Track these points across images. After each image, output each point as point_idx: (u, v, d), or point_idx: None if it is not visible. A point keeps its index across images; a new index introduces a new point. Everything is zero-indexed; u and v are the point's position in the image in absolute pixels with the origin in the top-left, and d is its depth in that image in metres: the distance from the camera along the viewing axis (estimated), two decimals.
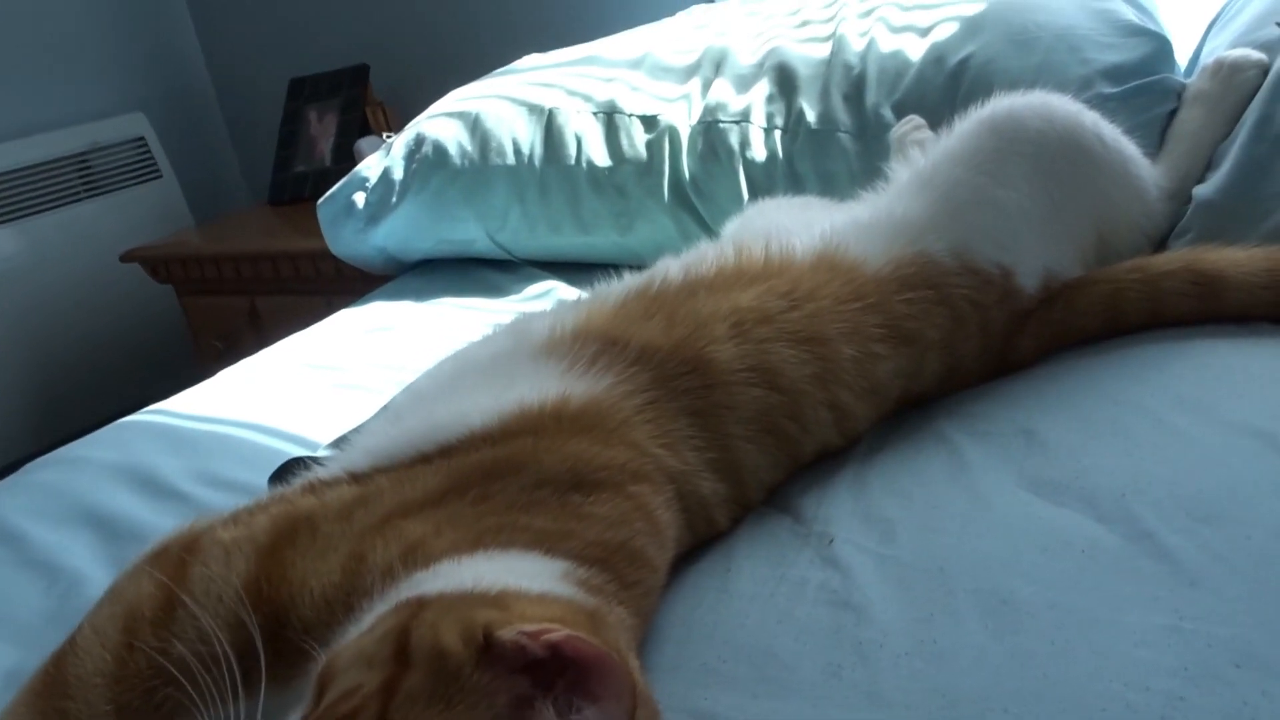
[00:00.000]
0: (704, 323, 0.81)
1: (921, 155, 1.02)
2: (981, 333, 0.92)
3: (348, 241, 1.65)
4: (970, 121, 0.97)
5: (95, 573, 0.91)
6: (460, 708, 0.48)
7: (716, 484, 0.77)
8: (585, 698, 0.49)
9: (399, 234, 1.62)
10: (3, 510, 1.04)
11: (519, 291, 1.47)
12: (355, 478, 0.73)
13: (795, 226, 1.08)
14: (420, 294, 1.53)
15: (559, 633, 0.49)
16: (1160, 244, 1.06)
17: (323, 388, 1.25)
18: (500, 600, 0.54)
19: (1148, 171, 1.04)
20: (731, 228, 1.20)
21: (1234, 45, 1.11)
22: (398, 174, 1.58)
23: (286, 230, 2.20)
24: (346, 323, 1.50)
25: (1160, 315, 0.94)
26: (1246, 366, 0.86)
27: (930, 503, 0.77)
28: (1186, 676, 0.55)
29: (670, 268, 0.90)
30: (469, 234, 1.56)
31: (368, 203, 1.61)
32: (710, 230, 1.40)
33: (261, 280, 2.09)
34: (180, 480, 1.04)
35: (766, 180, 1.36)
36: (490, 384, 0.78)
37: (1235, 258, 0.92)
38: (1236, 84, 1.07)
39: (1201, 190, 1.06)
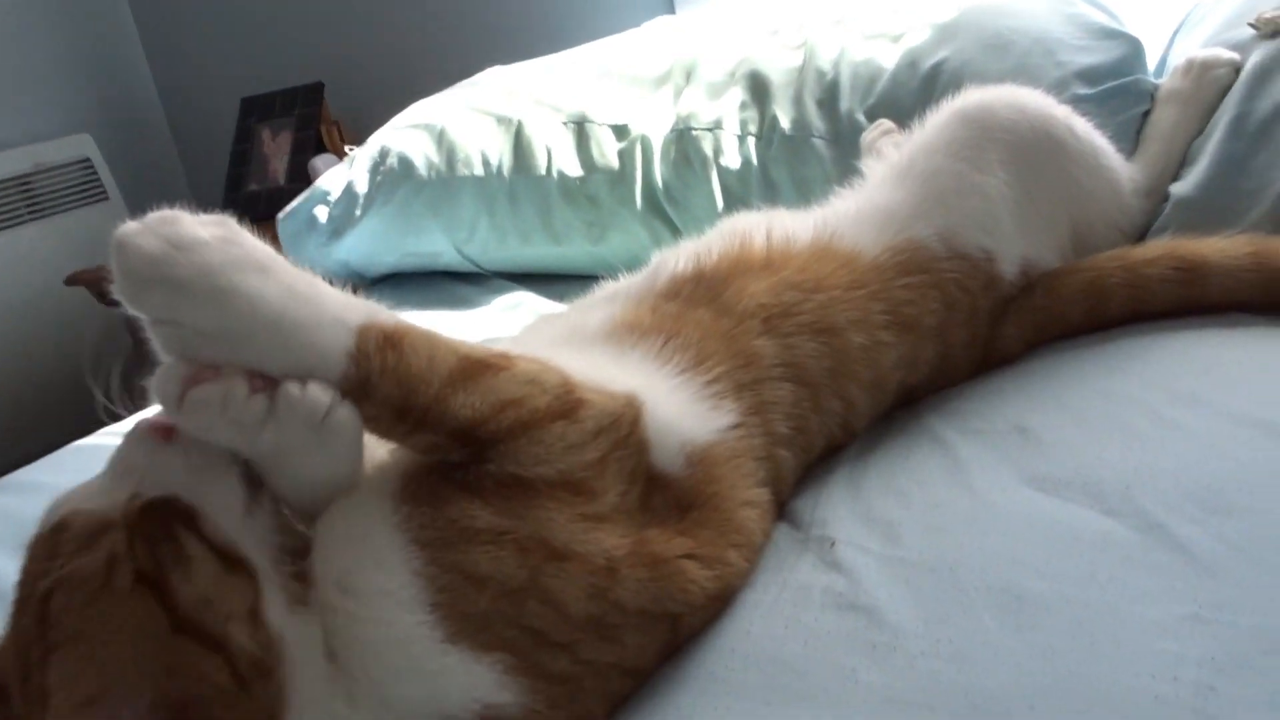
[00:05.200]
0: (740, 317, 0.79)
1: (895, 151, 1.01)
2: (969, 320, 0.92)
3: (310, 257, 1.61)
4: (942, 113, 0.97)
5: None
6: None
7: (764, 491, 0.75)
8: None
9: (363, 248, 1.58)
10: None
11: (488, 303, 1.44)
12: None
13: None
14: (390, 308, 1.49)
15: None
16: (1137, 241, 1.06)
17: None
18: None
19: (1121, 165, 1.04)
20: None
21: (1205, 46, 1.12)
22: (361, 187, 1.54)
23: None
24: None
25: (1143, 303, 0.93)
26: (1235, 357, 0.86)
27: (930, 502, 0.75)
28: (1215, 666, 0.53)
29: (674, 262, 0.88)
30: (435, 246, 1.53)
31: (330, 216, 1.57)
32: (682, 239, 1.38)
33: None
34: None
35: (741, 187, 1.34)
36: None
37: (1218, 244, 0.92)
38: (1209, 82, 1.08)
39: (1179, 188, 1.06)
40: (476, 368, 0.59)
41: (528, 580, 0.57)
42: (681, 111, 1.40)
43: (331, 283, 0.59)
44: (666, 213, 1.38)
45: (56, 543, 0.52)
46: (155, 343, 0.54)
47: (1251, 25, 1.04)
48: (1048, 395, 0.87)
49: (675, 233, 1.38)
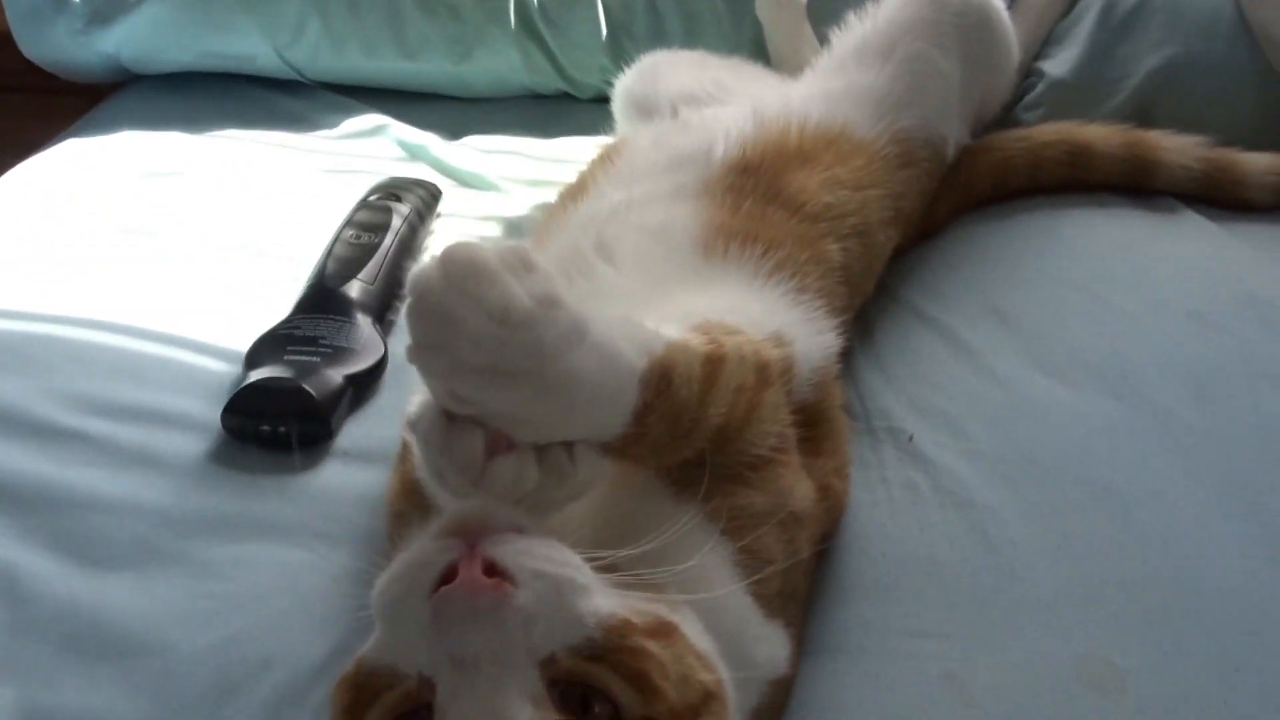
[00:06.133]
0: (812, 219, 0.78)
1: (860, 23, 1.02)
2: (923, 202, 0.99)
3: (56, 44, 1.26)
4: None
5: None
6: None
7: None
8: None
9: (142, 40, 1.26)
10: None
11: (333, 125, 1.25)
12: None
13: (714, 90, 1.05)
14: (192, 123, 1.23)
15: None
16: (1007, 112, 1.18)
17: (147, 259, 0.99)
18: None
19: (1018, 45, 1.14)
20: (626, 85, 1.11)
21: None
22: None
23: None
24: (96, 160, 1.16)
25: (1037, 181, 1.08)
26: (1127, 239, 1.02)
27: (969, 393, 0.84)
28: (1271, 541, 0.69)
29: (718, 140, 0.83)
30: (249, 48, 1.27)
31: None
32: (559, 66, 1.28)
33: None
34: (41, 407, 0.79)
35: (625, 14, 1.26)
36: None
37: (1100, 132, 1.08)
38: None
39: (1053, 68, 1.19)
40: (713, 366, 0.55)
41: (793, 553, 0.59)
42: None
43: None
44: (542, 34, 1.26)
45: None
46: (438, 399, 0.47)
47: None
48: (999, 276, 0.98)
49: (550, 59, 1.28)
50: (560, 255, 0.78)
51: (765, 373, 0.61)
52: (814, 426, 0.69)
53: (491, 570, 0.43)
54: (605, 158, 0.93)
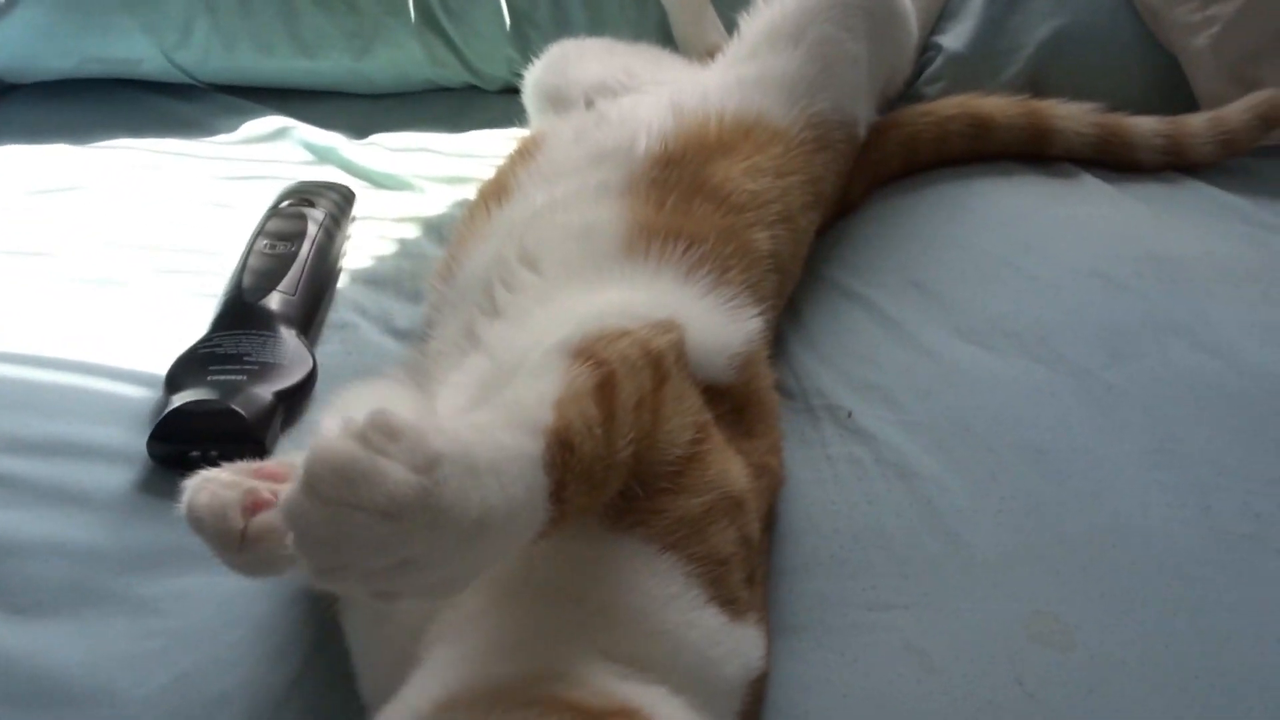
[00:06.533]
0: (738, 210, 0.78)
1: (765, 4, 1.03)
2: (840, 183, 1.01)
3: None
4: None
5: None
6: None
7: None
8: None
9: (18, 47, 1.20)
10: None
11: (232, 130, 1.19)
12: None
13: (626, 79, 1.05)
14: (78, 134, 1.16)
15: None
16: (908, 86, 1.21)
17: (44, 283, 0.94)
18: None
19: (915, 21, 1.17)
20: (536, 76, 1.10)
21: None
22: None
23: None
24: None
25: (943, 154, 1.11)
26: (1032, 205, 1.06)
27: (898, 366, 0.86)
28: (1200, 489, 0.72)
29: (640, 135, 0.83)
30: (133, 51, 1.20)
31: None
32: (464, 58, 1.26)
33: None
34: None
35: (527, 2, 1.25)
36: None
37: (999, 104, 1.12)
38: None
39: (949, 42, 1.23)
40: (607, 394, 0.53)
41: (744, 538, 0.59)
42: None
43: None
44: (443, 27, 1.24)
45: None
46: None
47: None
48: (915, 250, 1.01)
49: (454, 51, 1.25)
50: (484, 264, 0.77)
51: (660, 367, 0.59)
52: (743, 410, 0.69)
53: None
54: (524, 153, 0.92)
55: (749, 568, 0.60)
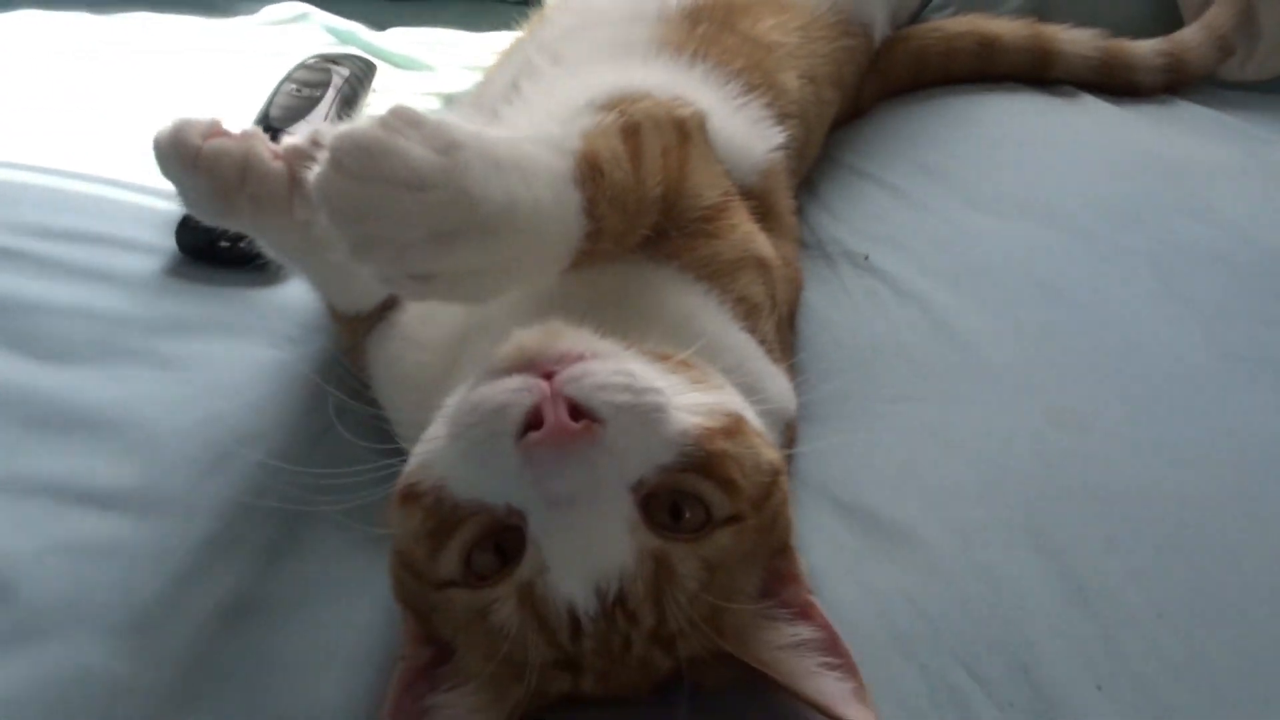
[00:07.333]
0: (768, 47, 0.80)
1: None
2: (858, 77, 1.04)
3: None
4: None
5: None
6: None
7: None
8: None
9: None
10: None
11: (250, 11, 1.20)
12: None
13: None
14: (96, 3, 1.17)
15: None
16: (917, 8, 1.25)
17: (68, 126, 0.93)
18: None
19: None
20: None
21: None
22: None
23: None
24: None
25: (950, 71, 1.14)
26: (1038, 110, 1.09)
27: (911, 223, 0.88)
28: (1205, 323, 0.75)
29: None
30: None
31: None
32: None
33: None
34: None
35: None
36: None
37: (1007, 25, 1.15)
38: None
39: None
40: (632, 137, 0.55)
41: (772, 304, 0.61)
42: None
43: None
44: None
45: None
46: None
47: None
48: (926, 141, 1.03)
49: None
50: (512, 72, 0.78)
51: (684, 129, 0.61)
52: (764, 217, 0.71)
53: (576, 412, 0.42)
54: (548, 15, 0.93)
55: (779, 330, 0.61)
